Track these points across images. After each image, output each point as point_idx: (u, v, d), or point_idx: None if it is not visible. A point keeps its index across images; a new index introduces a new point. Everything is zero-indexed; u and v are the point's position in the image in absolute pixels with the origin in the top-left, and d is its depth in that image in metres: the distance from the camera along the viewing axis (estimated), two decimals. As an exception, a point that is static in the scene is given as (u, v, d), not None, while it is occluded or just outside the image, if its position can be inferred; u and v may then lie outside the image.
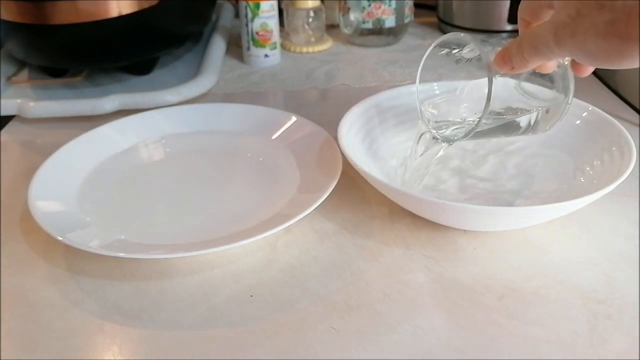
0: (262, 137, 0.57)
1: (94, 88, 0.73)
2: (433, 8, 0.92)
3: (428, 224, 0.46)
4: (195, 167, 0.55)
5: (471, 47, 0.41)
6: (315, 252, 0.44)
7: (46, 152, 0.53)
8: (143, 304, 0.40)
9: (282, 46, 0.83)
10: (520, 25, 0.38)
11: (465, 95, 0.47)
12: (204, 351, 0.36)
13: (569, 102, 0.41)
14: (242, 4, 0.76)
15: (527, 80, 0.41)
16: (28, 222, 0.47)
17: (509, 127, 0.42)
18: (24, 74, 0.76)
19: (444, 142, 0.44)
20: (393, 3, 0.80)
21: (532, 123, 0.42)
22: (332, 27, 0.90)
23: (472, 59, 0.42)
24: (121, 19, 0.65)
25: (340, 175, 0.47)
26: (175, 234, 0.46)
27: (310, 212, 0.44)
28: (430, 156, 0.46)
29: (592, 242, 0.44)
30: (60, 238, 0.41)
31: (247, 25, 0.77)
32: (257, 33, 0.77)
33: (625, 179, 0.40)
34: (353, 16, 0.82)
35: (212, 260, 0.44)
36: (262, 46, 0.78)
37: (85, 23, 0.64)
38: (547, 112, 0.42)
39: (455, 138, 0.43)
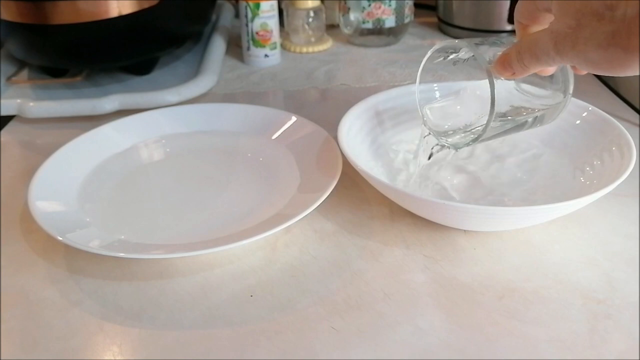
0: (262, 137, 0.57)
1: (94, 88, 0.73)
2: (433, 8, 0.92)
3: (428, 224, 0.46)
4: (195, 167, 0.55)
5: (466, 50, 0.41)
6: (315, 252, 0.44)
7: (46, 152, 0.53)
8: (143, 304, 0.40)
9: (282, 46, 0.83)
10: (517, 28, 0.38)
11: (467, 96, 0.47)
12: (203, 351, 0.36)
13: (570, 92, 0.41)
14: (242, 4, 0.76)
15: (526, 79, 0.41)
16: (28, 222, 0.47)
17: (515, 127, 0.42)
18: (24, 74, 0.76)
19: (451, 148, 0.44)
20: (393, 3, 0.80)
21: (538, 117, 0.42)
22: (332, 27, 0.90)
23: (468, 58, 0.42)
24: (121, 19, 0.65)
25: (340, 175, 0.47)
26: (175, 234, 0.46)
27: (310, 212, 0.44)
28: (438, 161, 0.46)
29: (592, 242, 0.44)
30: (60, 238, 0.41)
31: (247, 25, 0.77)
32: (257, 33, 0.77)
33: (625, 179, 0.40)
34: (353, 16, 0.82)
35: (212, 260, 0.44)
36: (262, 46, 0.78)
37: (85, 23, 0.64)
38: (549, 107, 0.42)
39: (463, 145, 0.43)
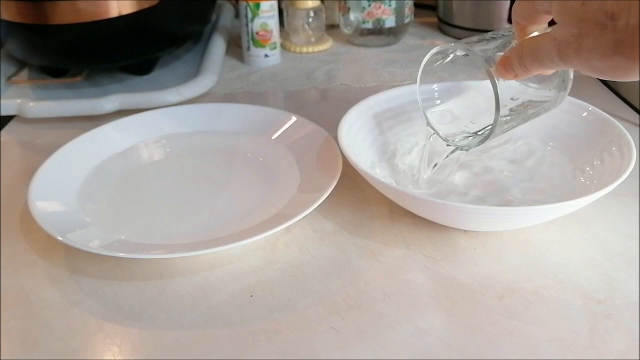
0: (262, 137, 0.57)
1: (94, 88, 0.73)
2: (433, 8, 0.92)
3: (428, 224, 0.46)
4: (195, 167, 0.55)
5: (463, 49, 0.41)
6: (315, 252, 0.44)
7: (46, 152, 0.53)
8: (143, 304, 0.40)
9: (282, 46, 0.83)
10: (515, 29, 0.37)
11: (469, 96, 0.47)
12: (203, 351, 0.36)
13: (571, 77, 0.41)
14: (242, 4, 0.76)
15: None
16: (28, 222, 0.47)
17: (521, 121, 0.42)
18: (24, 74, 0.76)
19: (461, 150, 0.44)
20: (393, 3, 0.80)
21: (543, 107, 0.42)
22: (332, 27, 0.90)
23: (466, 53, 0.42)
24: (121, 19, 0.65)
25: (340, 175, 0.47)
26: (175, 234, 0.46)
27: (310, 212, 0.44)
28: (449, 162, 0.46)
29: (592, 242, 0.44)
30: (60, 238, 0.41)
31: (247, 25, 0.77)
32: (257, 33, 0.77)
33: (625, 179, 0.41)
34: (353, 16, 0.82)
35: (212, 260, 0.44)
36: (262, 46, 0.78)
37: (85, 23, 0.64)
38: (549, 98, 0.42)
39: (474, 146, 0.43)
